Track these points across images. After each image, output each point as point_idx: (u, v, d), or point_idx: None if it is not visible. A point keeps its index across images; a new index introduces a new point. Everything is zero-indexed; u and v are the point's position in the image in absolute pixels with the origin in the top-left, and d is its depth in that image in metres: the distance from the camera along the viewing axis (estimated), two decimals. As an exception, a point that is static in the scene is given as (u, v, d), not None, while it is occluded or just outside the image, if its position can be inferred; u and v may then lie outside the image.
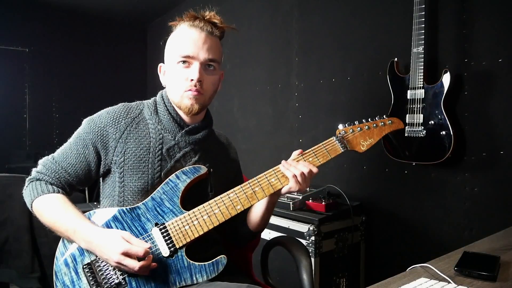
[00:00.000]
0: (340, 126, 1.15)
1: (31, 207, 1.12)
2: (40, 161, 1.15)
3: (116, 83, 4.50)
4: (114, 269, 1.04)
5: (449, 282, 0.86)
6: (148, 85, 4.79)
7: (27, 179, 1.15)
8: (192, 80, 1.08)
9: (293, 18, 2.64)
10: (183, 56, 1.09)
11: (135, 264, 0.97)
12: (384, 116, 1.17)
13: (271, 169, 1.09)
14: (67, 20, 4.23)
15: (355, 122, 1.15)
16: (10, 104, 3.91)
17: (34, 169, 1.15)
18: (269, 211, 1.20)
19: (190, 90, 1.09)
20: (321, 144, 1.12)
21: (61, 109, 4.19)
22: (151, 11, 4.30)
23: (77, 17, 4.29)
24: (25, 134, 4.00)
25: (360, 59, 2.22)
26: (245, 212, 1.15)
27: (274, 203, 1.20)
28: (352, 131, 1.14)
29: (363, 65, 2.20)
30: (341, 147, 1.11)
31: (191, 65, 1.10)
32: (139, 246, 0.99)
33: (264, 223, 1.24)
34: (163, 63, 1.19)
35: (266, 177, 1.09)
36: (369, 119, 1.16)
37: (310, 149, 1.11)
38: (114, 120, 1.12)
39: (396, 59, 1.88)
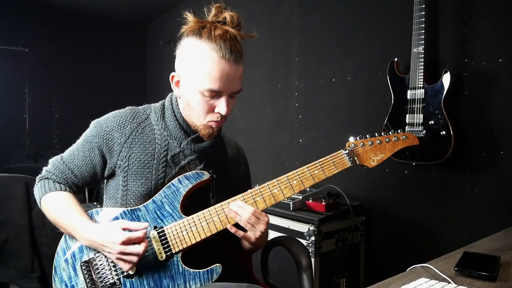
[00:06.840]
0: (351, 139, 1.09)
1: (40, 204, 1.15)
2: (50, 160, 1.18)
3: (116, 83, 4.50)
4: (110, 269, 1.05)
5: (449, 282, 0.86)
6: (147, 85, 4.79)
7: (37, 177, 1.19)
8: (219, 113, 1.05)
9: (293, 18, 2.64)
10: (212, 90, 1.02)
11: (139, 249, 0.97)
12: (399, 131, 1.11)
13: (275, 179, 1.06)
14: (67, 20, 4.23)
15: (367, 135, 1.10)
16: (10, 104, 3.92)
17: (44, 168, 1.18)
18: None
19: (215, 121, 1.07)
20: (328, 156, 1.07)
21: (61, 109, 4.19)
22: (151, 11, 4.29)
23: (77, 17, 4.29)
24: (25, 134, 4.00)
25: (360, 59, 2.22)
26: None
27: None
28: (362, 144, 1.09)
29: (363, 65, 2.20)
30: (349, 161, 1.07)
31: (218, 98, 1.04)
32: (138, 230, 1.00)
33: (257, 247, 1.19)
34: (172, 68, 1.10)
35: (269, 187, 1.06)
36: (382, 133, 1.10)
37: (316, 161, 1.06)
38: (120, 124, 1.11)
39: (396, 59, 1.88)
